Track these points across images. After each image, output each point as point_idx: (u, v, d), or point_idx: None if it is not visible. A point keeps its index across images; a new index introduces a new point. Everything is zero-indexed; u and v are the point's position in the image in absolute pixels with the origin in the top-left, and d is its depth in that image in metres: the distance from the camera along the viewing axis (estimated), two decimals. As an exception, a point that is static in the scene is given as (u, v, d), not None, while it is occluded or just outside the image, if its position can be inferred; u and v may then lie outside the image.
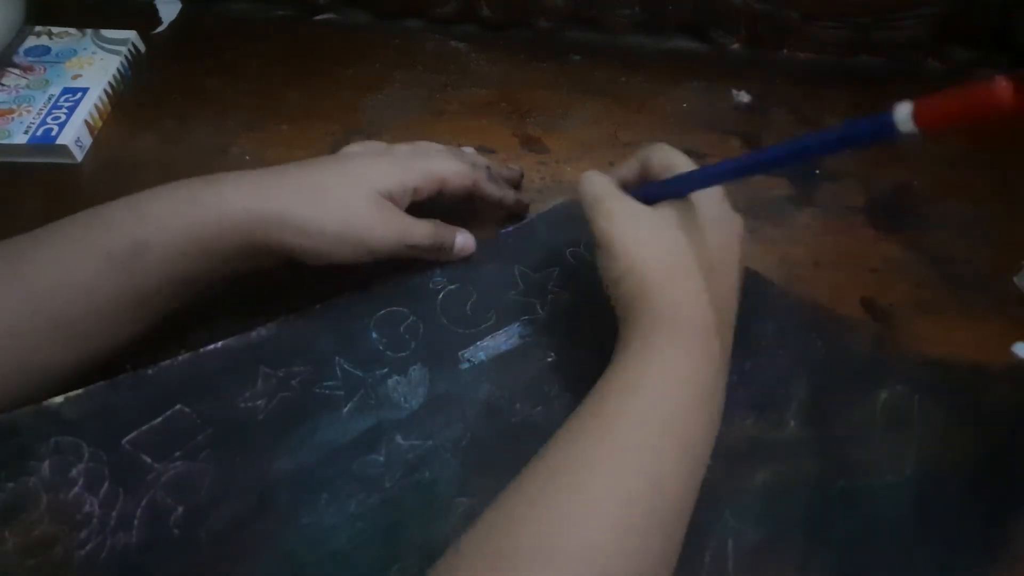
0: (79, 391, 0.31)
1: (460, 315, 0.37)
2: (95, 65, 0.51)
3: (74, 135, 0.46)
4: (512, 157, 0.48)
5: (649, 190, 0.34)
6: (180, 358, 0.33)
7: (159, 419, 0.32)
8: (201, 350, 0.34)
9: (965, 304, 0.41)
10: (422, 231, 0.37)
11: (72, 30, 0.54)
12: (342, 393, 0.34)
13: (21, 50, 0.52)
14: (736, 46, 0.57)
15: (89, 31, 0.53)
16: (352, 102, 0.51)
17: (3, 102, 0.48)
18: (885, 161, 0.48)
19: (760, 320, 0.37)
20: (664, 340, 0.30)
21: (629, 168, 0.36)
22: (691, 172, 0.32)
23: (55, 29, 0.54)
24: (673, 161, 0.34)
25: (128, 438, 0.31)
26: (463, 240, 0.39)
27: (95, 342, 0.32)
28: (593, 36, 0.57)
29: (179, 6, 0.58)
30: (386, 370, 0.35)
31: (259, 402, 0.33)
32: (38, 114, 0.47)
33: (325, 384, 0.34)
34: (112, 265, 0.31)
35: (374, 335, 0.36)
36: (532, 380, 0.35)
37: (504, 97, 0.52)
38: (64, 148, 0.45)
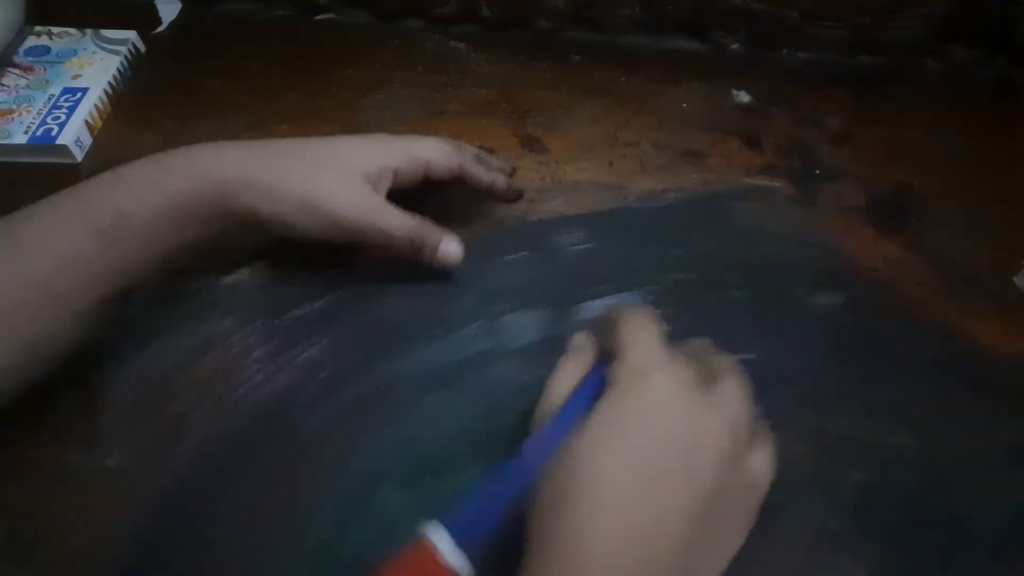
0: (252, 268, 0.40)
1: (586, 273, 0.40)
2: (95, 65, 0.51)
3: (74, 135, 0.46)
4: (512, 157, 0.48)
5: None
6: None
7: (318, 303, 0.38)
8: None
9: (965, 304, 0.41)
10: (398, 221, 0.35)
11: (72, 30, 0.54)
12: (466, 317, 0.38)
13: (21, 50, 0.52)
14: (736, 46, 0.57)
15: (89, 31, 0.53)
16: (352, 102, 0.51)
17: (3, 102, 0.48)
18: (885, 161, 0.48)
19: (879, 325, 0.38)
20: None
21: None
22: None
23: (55, 29, 0.54)
24: (620, 344, 0.26)
25: (289, 314, 0.38)
26: (448, 247, 0.37)
27: (87, 316, 0.32)
28: (593, 36, 0.57)
29: (179, 6, 0.58)
30: (507, 306, 0.38)
31: (398, 307, 0.39)
32: (38, 114, 0.47)
33: (453, 305, 0.39)
34: (96, 236, 0.31)
35: (505, 274, 0.40)
36: None
37: (504, 97, 0.52)
38: (64, 148, 0.45)
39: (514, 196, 0.42)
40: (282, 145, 0.36)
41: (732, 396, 0.26)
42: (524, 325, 0.38)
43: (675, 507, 0.22)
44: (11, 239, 0.31)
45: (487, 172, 0.40)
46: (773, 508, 0.26)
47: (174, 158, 0.34)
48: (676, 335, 0.28)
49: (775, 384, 0.32)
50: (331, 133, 0.48)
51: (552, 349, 0.31)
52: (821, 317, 0.38)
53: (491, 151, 0.45)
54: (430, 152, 0.37)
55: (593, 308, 0.39)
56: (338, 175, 0.34)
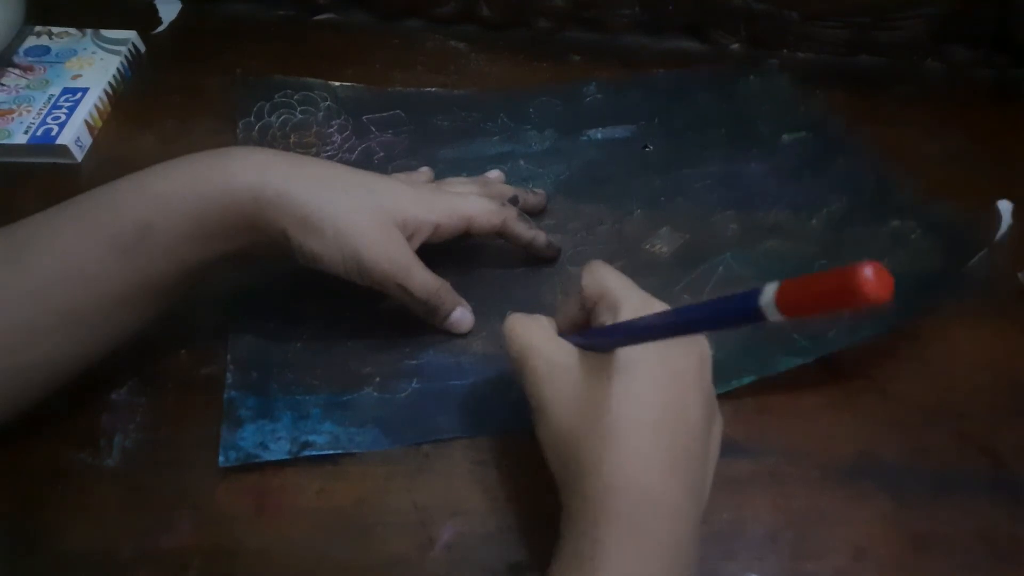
0: (349, 84, 0.52)
1: (596, 114, 0.51)
2: (95, 65, 0.51)
3: (74, 135, 0.46)
4: (512, 157, 0.48)
5: (582, 341, 0.28)
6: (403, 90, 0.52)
7: (387, 113, 0.50)
8: (421, 89, 0.52)
9: (965, 304, 0.41)
10: (421, 280, 0.34)
11: (72, 30, 0.54)
12: (496, 130, 0.49)
13: (21, 50, 0.52)
14: (736, 46, 0.57)
15: (89, 31, 0.53)
16: (352, 102, 0.51)
17: (3, 102, 0.48)
18: (885, 161, 0.48)
19: (831, 152, 0.48)
20: (608, 533, 0.24)
21: (571, 304, 0.30)
22: (615, 328, 0.27)
23: (55, 29, 0.54)
24: (605, 286, 0.28)
25: (367, 116, 0.49)
26: (460, 316, 0.37)
27: (102, 334, 0.31)
28: (593, 36, 0.57)
29: (179, 6, 0.58)
30: (529, 127, 0.49)
31: (446, 122, 0.50)
32: (38, 114, 0.47)
33: (487, 124, 0.50)
34: (118, 252, 0.30)
35: (531, 110, 0.51)
36: (630, 155, 0.48)
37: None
38: (64, 148, 0.45)
39: (552, 254, 0.40)
40: (323, 168, 0.34)
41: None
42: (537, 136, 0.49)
43: (692, 401, 0.27)
44: (30, 253, 0.29)
45: (528, 230, 0.39)
46: (710, 267, 0.40)
47: (209, 168, 0.31)
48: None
49: (721, 188, 0.45)
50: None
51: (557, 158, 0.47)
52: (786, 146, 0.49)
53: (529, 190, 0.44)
54: (475, 210, 0.36)
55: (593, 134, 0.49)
56: (376, 221, 0.33)
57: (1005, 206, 0.40)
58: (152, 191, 0.31)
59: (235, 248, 0.32)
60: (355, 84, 0.51)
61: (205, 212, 0.31)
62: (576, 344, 0.28)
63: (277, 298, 0.39)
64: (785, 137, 0.48)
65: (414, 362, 0.37)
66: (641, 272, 0.38)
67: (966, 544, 0.32)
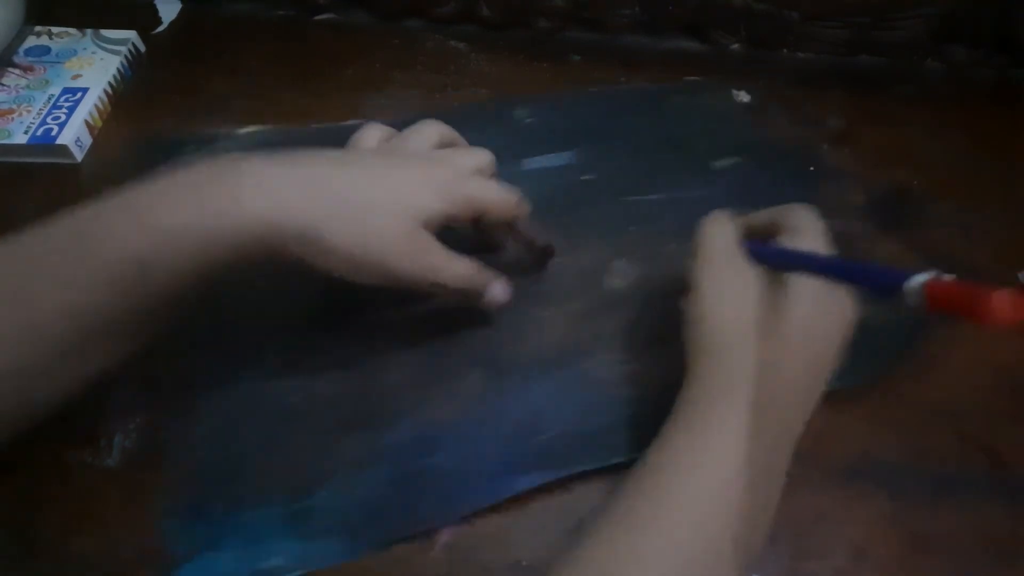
0: (253, 129, 0.48)
1: (531, 140, 0.48)
2: (95, 65, 0.51)
3: (74, 135, 0.46)
4: (512, 157, 0.48)
5: (759, 249, 0.32)
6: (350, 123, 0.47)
7: None
8: (339, 123, 0.48)
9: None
10: (452, 272, 0.33)
11: (72, 30, 0.54)
12: None
13: (21, 50, 0.52)
14: (736, 46, 0.57)
15: (89, 31, 0.53)
16: (352, 102, 0.51)
17: (3, 102, 0.48)
18: (885, 161, 0.48)
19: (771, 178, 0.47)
20: (724, 408, 0.28)
21: (760, 217, 0.34)
22: (793, 252, 0.31)
23: (55, 29, 0.54)
24: (801, 224, 0.32)
25: None
26: (498, 291, 0.36)
27: (92, 365, 0.30)
28: (593, 36, 0.57)
29: (179, 6, 0.58)
30: None
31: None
32: (38, 114, 0.47)
33: None
34: (117, 290, 0.28)
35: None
36: (571, 184, 0.46)
37: (504, 97, 0.52)
38: (64, 148, 0.45)
39: (549, 254, 0.41)
40: (341, 185, 0.31)
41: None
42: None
43: (836, 343, 0.30)
44: (27, 286, 0.28)
45: (532, 229, 0.39)
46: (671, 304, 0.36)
47: (217, 196, 0.28)
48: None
49: (668, 216, 0.44)
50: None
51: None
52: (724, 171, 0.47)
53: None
54: (493, 202, 0.34)
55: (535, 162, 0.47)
56: (400, 228, 0.31)
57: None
58: (152, 224, 0.28)
59: (243, 274, 0.30)
60: (262, 127, 0.48)
61: (212, 250, 0.28)
62: (749, 249, 0.32)
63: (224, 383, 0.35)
64: (724, 162, 0.47)
65: (375, 445, 0.34)
66: (603, 312, 0.39)
67: (966, 544, 0.32)
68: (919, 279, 0.21)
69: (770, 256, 0.31)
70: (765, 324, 0.29)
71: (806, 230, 0.32)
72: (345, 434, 0.34)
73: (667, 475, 0.28)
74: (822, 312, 0.30)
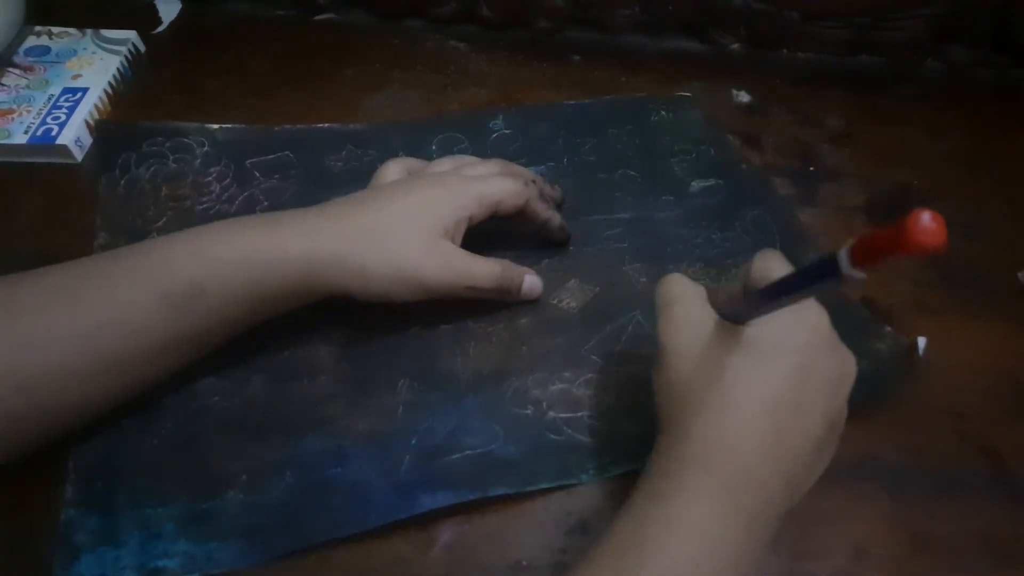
0: (228, 126, 0.48)
1: (504, 151, 0.47)
2: (95, 65, 0.51)
3: (74, 135, 0.46)
4: (512, 157, 0.48)
5: (733, 312, 0.28)
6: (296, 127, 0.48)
7: (273, 155, 0.46)
8: (313, 125, 0.49)
9: (965, 304, 0.41)
10: (483, 271, 0.36)
11: (72, 30, 0.54)
12: None
13: (21, 50, 0.52)
14: (736, 46, 0.57)
15: (89, 31, 0.53)
16: (352, 102, 0.51)
17: (3, 102, 0.48)
18: (885, 161, 0.48)
19: (742, 202, 0.45)
20: (694, 480, 0.25)
21: (735, 283, 0.31)
22: (753, 298, 0.27)
23: (55, 29, 0.54)
24: (769, 268, 0.28)
25: (250, 160, 0.46)
26: (531, 282, 0.38)
27: (141, 378, 0.32)
28: (593, 36, 0.57)
29: (179, 6, 0.58)
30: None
31: (339, 163, 0.46)
32: (38, 114, 0.47)
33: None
34: (168, 307, 0.30)
35: (433, 147, 0.47)
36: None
37: (504, 97, 0.52)
38: (64, 148, 0.45)
39: (564, 236, 0.42)
40: (362, 213, 0.35)
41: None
42: None
43: (813, 403, 0.27)
44: (82, 299, 0.30)
45: (546, 209, 0.40)
46: (619, 325, 0.38)
47: (266, 236, 0.33)
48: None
49: (631, 237, 0.43)
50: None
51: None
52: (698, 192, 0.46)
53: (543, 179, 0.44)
54: (501, 193, 0.37)
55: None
56: (422, 239, 0.34)
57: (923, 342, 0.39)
58: (208, 254, 0.32)
59: (285, 309, 0.34)
60: (237, 125, 0.48)
61: (261, 281, 0.32)
62: (721, 314, 0.29)
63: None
64: (695, 184, 0.46)
65: (288, 452, 0.33)
66: (550, 331, 0.38)
67: (966, 544, 0.32)
68: (844, 250, 0.21)
69: (744, 310, 0.28)
70: (735, 390, 0.26)
71: (772, 272, 0.28)
72: (259, 439, 0.33)
73: (632, 549, 0.25)
74: (823, 367, 0.27)
